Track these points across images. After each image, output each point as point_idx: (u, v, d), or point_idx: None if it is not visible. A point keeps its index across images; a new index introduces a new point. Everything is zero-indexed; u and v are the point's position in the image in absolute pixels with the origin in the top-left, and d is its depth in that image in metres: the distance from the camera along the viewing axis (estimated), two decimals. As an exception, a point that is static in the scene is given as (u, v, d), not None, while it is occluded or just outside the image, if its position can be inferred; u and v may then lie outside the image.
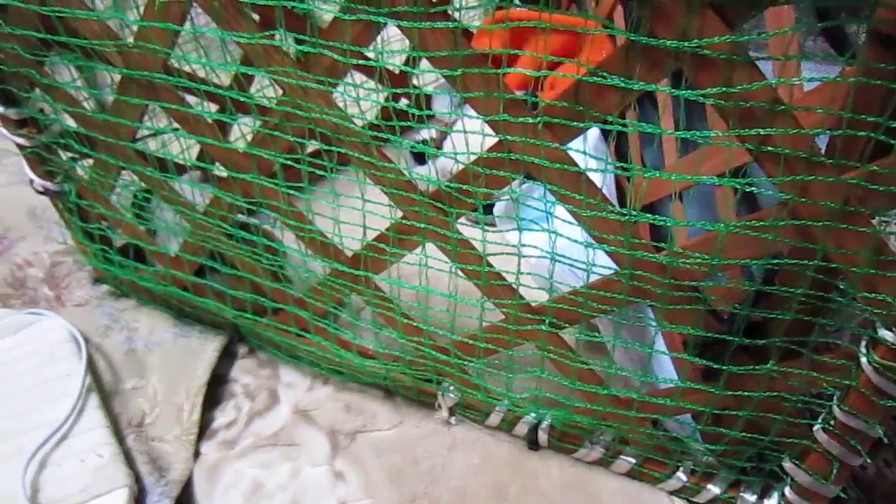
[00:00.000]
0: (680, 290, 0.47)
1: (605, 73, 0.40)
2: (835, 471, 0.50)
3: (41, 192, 0.77)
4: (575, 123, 0.42)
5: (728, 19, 0.35)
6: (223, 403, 0.76)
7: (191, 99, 0.58)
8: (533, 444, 0.68)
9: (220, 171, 0.61)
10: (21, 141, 0.71)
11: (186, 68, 0.60)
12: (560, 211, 0.47)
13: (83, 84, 0.66)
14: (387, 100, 0.91)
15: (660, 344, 0.67)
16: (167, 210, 0.69)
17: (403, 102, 1.00)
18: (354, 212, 0.55)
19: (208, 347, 0.78)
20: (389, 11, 0.43)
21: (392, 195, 0.53)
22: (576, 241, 0.47)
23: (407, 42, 0.44)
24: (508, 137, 0.45)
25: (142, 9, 0.54)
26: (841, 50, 0.39)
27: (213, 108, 0.74)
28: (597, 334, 0.56)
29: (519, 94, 0.44)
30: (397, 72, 0.96)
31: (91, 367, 0.75)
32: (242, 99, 0.54)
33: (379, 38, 0.48)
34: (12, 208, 1.00)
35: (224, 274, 0.70)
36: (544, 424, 0.65)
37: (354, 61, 0.47)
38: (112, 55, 0.58)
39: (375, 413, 0.73)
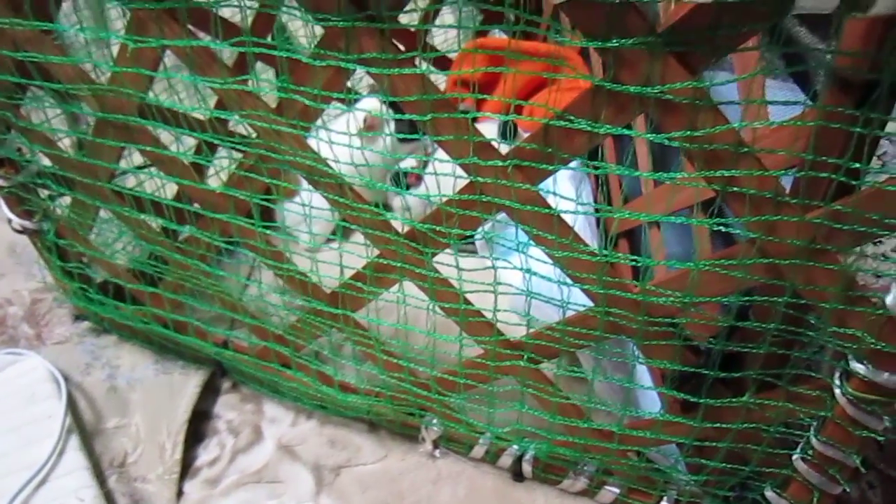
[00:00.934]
0: (655, 325, 0.47)
1: (572, 117, 0.40)
2: (815, 500, 0.51)
3: (19, 231, 0.77)
4: (544, 166, 0.42)
5: (689, 65, 0.36)
6: (207, 440, 0.75)
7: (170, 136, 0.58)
8: (518, 475, 0.68)
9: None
10: (-2, 181, 0.71)
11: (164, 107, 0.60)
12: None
13: (61, 125, 0.66)
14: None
15: (645, 376, 0.67)
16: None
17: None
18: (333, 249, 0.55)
19: (190, 384, 0.78)
20: (358, 58, 0.43)
21: (368, 234, 0.53)
22: (549, 280, 0.47)
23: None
24: (479, 179, 0.45)
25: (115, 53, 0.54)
26: (807, 91, 0.40)
27: (190, 144, 0.74)
28: (576, 368, 0.56)
29: (498, 121, 0.44)
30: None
31: (72, 406, 0.75)
32: (216, 141, 0.54)
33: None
34: (-8, 245, 0.99)
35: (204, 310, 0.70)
36: (528, 456, 0.65)
37: (326, 106, 0.47)
38: (87, 98, 0.58)
39: (360, 447, 0.73)
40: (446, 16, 1.20)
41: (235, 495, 0.70)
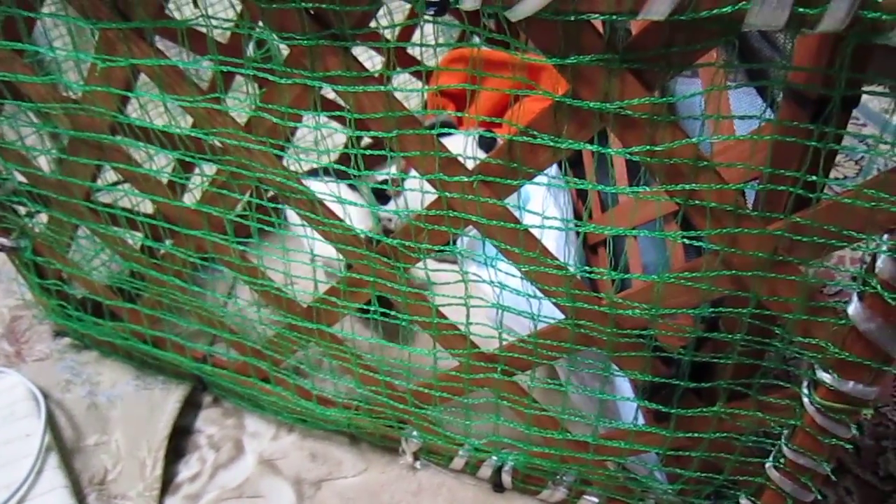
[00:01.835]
0: (625, 336, 0.48)
1: (535, 133, 0.40)
2: (789, 507, 0.51)
3: (-3, 249, 0.77)
4: (508, 181, 0.43)
5: (646, 81, 0.36)
6: (188, 455, 0.75)
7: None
8: (497, 486, 0.68)
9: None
10: (-26, 199, 0.71)
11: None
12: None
13: (36, 142, 0.66)
14: (346, 145, 0.92)
15: (624, 386, 0.67)
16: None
17: (367, 142, 1.01)
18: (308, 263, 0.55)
19: (170, 399, 0.77)
20: (324, 76, 0.44)
21: (340, 249, 0.53)
22: (518, 293, 0.47)
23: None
24: (447, 194, 0.45)
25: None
26: (767, 99, 0.40)
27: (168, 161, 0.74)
28: (549, 380, 0.56)
29: (476, 133, 0.44)
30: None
31: (51, 424, 0.74)
32: (188, 159, 0.54)
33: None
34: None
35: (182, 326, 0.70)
36: (507, 467, 0.65)
37: (294, 124, 0.47)
38: (59, 116, 0.58)
39: (341, 460, 0.73)
40: (427, 28, 1.20)
41: (216, 511, 0.69)
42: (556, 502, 0.66)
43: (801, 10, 0.29)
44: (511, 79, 0.43)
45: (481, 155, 0.45)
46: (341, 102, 0.45)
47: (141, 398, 0.79)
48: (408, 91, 0.49)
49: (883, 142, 0.33)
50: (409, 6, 0.50)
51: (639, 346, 0.48)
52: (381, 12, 0.42)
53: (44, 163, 0.65)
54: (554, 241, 0.62)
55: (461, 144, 0.46)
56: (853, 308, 0.39)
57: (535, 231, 0.45)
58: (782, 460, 0.49)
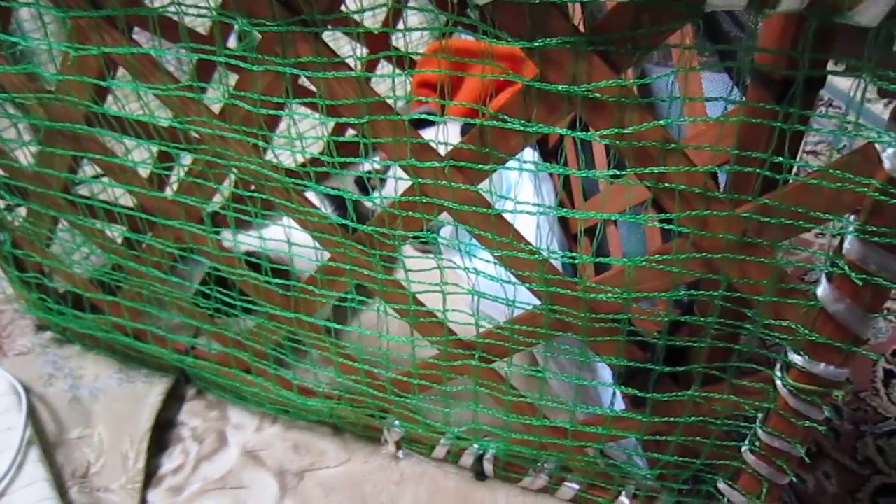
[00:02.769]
0: (600, 321, 0.48)
1: (505, 117, 0.40)
2: (765, 490, 0.51)
3: (-23, 243, 0.76)
4: (479, 166, 0.43)
5: (614, 64, 0.36)
6: (171, 448, 0.75)
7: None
8: (479, 474, 0.68)
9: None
10: (-48, 193, 0.70)
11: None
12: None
13: (13, 134, 0.65)
14: (326, 133, 0.91)
15: (605, 371, 0.67)
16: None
17: (350, 133, 1.00)
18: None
19: (153, 392, 0.77)
20: (295, 62, 0.43)
21: (318, 238, 0.53)
22: (493, 279, 0.48)
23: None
24: (420, 181, 0.45)
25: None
26: (738, 85, 0.41)
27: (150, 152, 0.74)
28: (526, 366, 0.56)
29: (455, 120, 0.44)
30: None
31: (33, 418, 0.74)
32: (163, 148, 0.54)
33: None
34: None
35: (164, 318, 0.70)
36: (489, 455, 0.65)
37: (266, 111, 0.47)
38: (34, 107, 0.58)
39: (324, 451, 0.73)
40: (412, 17, 1.20)
41: (199, 503, 0.69)
42: (537, 489, 0.66)
43: (760, -11, 0.29)
44: (493, 67, 0.43)
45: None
46: (311, 98, 0.45)
47: (124, 391, 0.79)
48: (382, 77, 0.49)
49: (847, 122, 0.34)
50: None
51: (614, 331, 0.48)
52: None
53: (22, 156, 0.65)
54: (534, 228, 0.63)
55: (439, 133, 0.46)
56: (822, 290, 0.39)
57: (511, 218, 0.45)
58: (758, 443, 0.49)
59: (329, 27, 0.41)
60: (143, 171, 0.59)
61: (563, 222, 0.89)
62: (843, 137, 0.35)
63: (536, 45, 0.36)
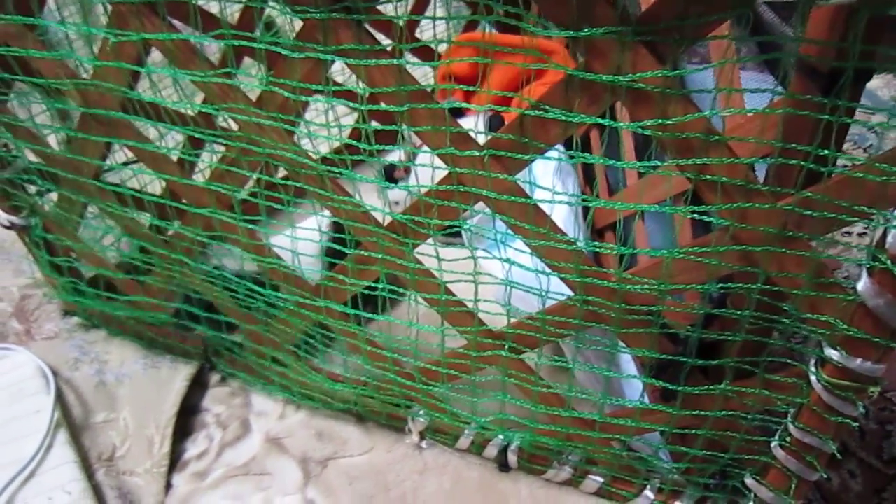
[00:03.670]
0: (633, 313, 0.48)
1: (546, 107, 0.40)
2: (794, 486, 0.51)
3: (7, 227, 0.77)
4: (520, 156, 0.43)
5: (659, 54, 0.36)
6: (195, 434, 0.76)
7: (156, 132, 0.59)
8: (503, 466, 0.68)
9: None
10: (-15, 177, 0.71)
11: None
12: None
13: (47, 120, 0.66)
14: (357, 121, 0.92)
15: (629, 365, 0.67)
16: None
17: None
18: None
19: (178, 378, 0.78)
20: (336, 49, 0.44)
21: (350, 226, 0.53)
22: (527, 269, 0.48)
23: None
24: (457, 170, 0.45)
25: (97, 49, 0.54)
26: (779, 79, 0.40)
27: (179, 139, 0.74)
28: (556, 358, 0.56)
29: (484, 115, 0.44)
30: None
31: (60, 401, 0.75)
32: (198, 136, 0.54)
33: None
34: (-19, 242, 0.99)
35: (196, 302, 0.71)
36: (513, 446, 0.66)
37: (305, 98, 0.47)
38: (70, 93, 0.58)
39: (347, 439, 0.73)
40: (436, 10, 1.20)
41: (223, 488, 0.70)
42: (560, 482, 0.67)
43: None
44: (523, 60, 0.43)
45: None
46: (349, 85, 0.45)
47: (149, 377, 0.79)
48: (418, 65, 0.49)
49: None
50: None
51: (647, 323, 0.48)
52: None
53: (53, 141, 0.66)
54: (561, 223, 0.63)
55: (471, 125, 0.46)
56: (862, 284, 0.39)
57: (544, 208, 0.45)
58: (788, 439, 0.49)
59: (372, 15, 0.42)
60: (175, 158, 0.60)
61: (586, 218, 0.89)
62: (870, 136, 0.35)
63: (583, 34, 0.36)
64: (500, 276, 0.51)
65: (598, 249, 0.45)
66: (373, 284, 0.56)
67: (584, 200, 0.45)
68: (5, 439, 0.69)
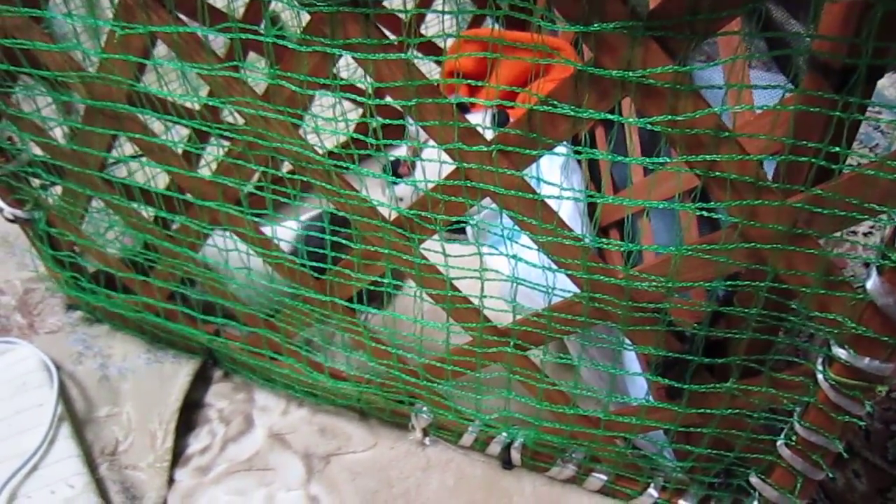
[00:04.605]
0: (640, 310, 0.48)
1: (555, 103, 0.40)
2: (799, 485, 0.51)
3: (11, 221, 0.77)
4: (528, 151, 0.42)
5: (670, 50, 0.36)
6: (198, 429, 0.76)
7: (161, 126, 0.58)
8: (507, 463, 0.68)
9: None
10: (-11, 170, 0.71)
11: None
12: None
13: (52, 113, 0.66)
14: (363, 116, 0.91)
15: (633, 363, 0.67)
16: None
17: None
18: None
19: (181, 372, 0.78)
20: (344, 44, 0.43)
21: (356, 221, 0.53)
22: (534, 265, 0.47)
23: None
24: (465, 165, 0.45)
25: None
26: (789, 75, 0.40)
27: (184, 133, 0.74)
28: (562, 355, 0.56)
29: (489, 111, 0.44)
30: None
31: (63, 395, 0.75)
32: (205, 129, 0.54)
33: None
34: (-16, 235, 0.99)
35: (196, 299, 0.71)
36: (517, 444, 0.66)
37: (312, 92, 0.47)
38: (76, 86, 0.58)
39: (350, 435, 0.73)
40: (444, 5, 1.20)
41: (226, 483, 0.70)
42: (564, 479, 0.67)
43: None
44: (530, 56, 0.43)
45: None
46: (354, 81, 0.45)
47: (152, 371, 0.79)
48: (426, 60, 0.49)
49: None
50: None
51: (653, 320, 0.48)
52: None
53: (58, 134, 0.66)
54: (566, 220, 0.63)
55: (478, 121, 0.46)
56: (872, 282, 0.39)
57: (551, 204, 0.45)
58: (794, 438, 0.49)
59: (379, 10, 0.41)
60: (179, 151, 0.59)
61: (591, 216, 0.88)
62: (876, 135, 0.35)
63: (593, 28, 0.36)
64: (505, 272, 0.51)
65: (605, 245, 0.45)
66: (377, 279, 0.56)
67: (590, 197, 0.45)
68: (8, 433, 0.69)
